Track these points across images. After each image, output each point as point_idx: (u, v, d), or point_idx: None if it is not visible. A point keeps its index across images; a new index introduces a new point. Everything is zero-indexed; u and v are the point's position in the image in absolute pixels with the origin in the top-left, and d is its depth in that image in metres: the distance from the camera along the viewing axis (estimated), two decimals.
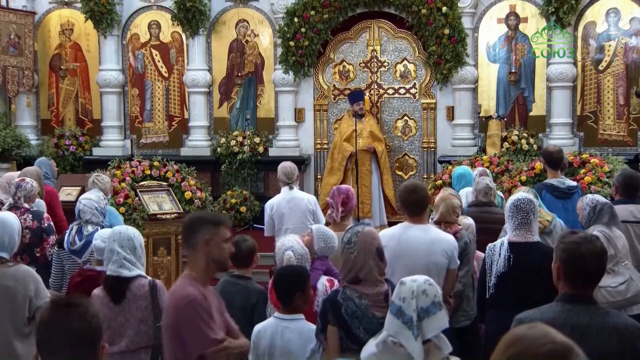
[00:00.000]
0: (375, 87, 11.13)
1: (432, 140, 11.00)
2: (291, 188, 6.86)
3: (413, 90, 11.07)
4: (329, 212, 5.72)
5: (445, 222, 5.05)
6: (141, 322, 4.17)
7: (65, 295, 2.57)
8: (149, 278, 4.27)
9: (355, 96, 10.24)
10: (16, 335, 4.24)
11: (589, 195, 5.36)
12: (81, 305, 2.37)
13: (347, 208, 5.57)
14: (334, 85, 11.24)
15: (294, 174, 6.89)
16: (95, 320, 2.36)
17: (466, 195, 6.48)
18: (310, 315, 4.08)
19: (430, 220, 5.22)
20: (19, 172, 7.29)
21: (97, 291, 4.23)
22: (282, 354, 3.80)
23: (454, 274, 4.68)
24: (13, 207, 6.03)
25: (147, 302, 4.16)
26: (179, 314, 3.31)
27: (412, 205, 4.57)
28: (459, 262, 4.69)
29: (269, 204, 6.91)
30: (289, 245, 4.44)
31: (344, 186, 5.97)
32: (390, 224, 9.83)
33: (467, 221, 5.44)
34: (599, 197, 5.20)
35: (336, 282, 4.35)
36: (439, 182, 9.49)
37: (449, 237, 4.66)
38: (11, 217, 4.52)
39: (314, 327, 3.80)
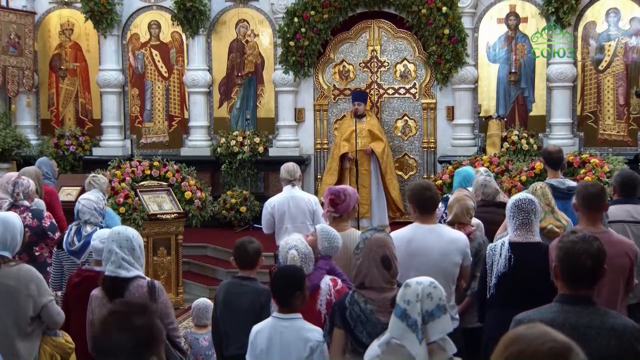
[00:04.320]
0: (375, 87, 11.12)
1: (432, 140, 10.99)
2: (293, 186, 6.85)
3: (413, 90, 11.06)
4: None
5: (459, 224, 5.03)
6: None
7: (122, 302, 2.46)
8: (148, 279, 4.24)
9: (356, 96, 10.25)
10: (18, 335, 4.23)
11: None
12: (123, 316, 2.24)
13: (339, 209, 5.20)
14: (334, 85, 11.23)
15: (296, 172, 6.89)
16: (139, 333, 2.20)
17: None
18: (313, 314, 4.07)
19: (442, 221, 5.20)
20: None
21: (96, 292, 4.21)
22: (280, 354, 3.80)
23: (468, 271, 4.70)
24: (13, 206, 6.02)
25: None
26: None
27: (426, 203, 4.50)
28: (472, 259, 4.69)
29: (269, 202, 6.88)
30: (293, 244, 4.41)
31: (338, 186, 5.86)
32: (397, 224, 9.81)
33: (475, 220, 5.40)
34: None
35: (339, 281, 4.34)
36: (439, 182, 9.51)
37: (462, 235, 4.65)
38: (13, 217, 4.51)
39: (312, 326, 3.80)
